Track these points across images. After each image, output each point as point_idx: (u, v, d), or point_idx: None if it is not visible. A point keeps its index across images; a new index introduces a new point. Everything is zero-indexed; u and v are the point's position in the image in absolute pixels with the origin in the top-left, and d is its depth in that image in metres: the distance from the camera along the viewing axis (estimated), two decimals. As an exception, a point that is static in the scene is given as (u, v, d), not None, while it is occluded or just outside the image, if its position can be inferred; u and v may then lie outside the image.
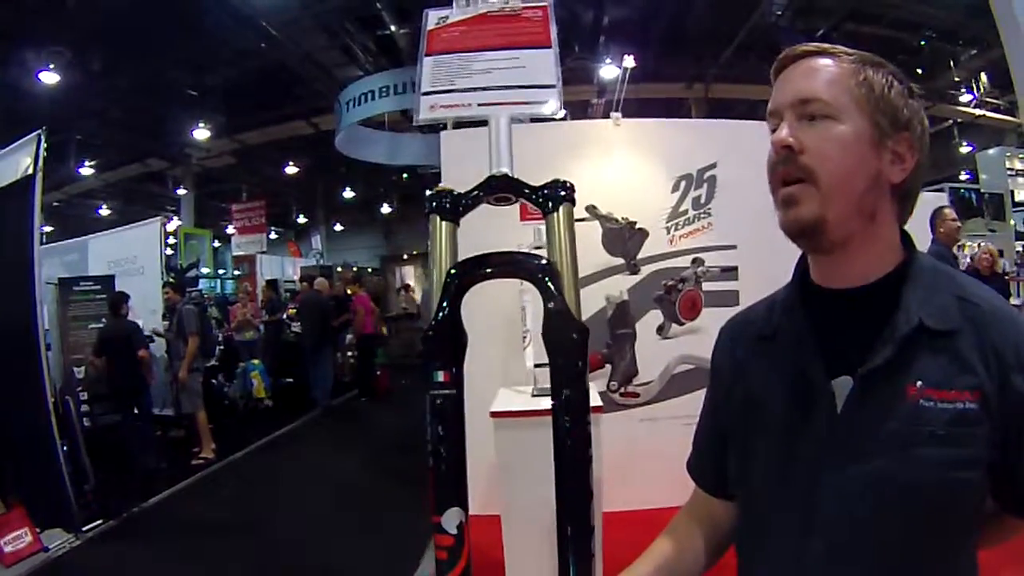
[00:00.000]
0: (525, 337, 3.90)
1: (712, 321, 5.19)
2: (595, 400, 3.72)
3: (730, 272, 5.41)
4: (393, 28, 11.89)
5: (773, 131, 1.09)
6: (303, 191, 23.55)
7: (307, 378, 10.96)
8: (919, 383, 0.99)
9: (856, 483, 1.00)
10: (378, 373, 12.05)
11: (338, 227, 27.28)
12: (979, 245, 7.93)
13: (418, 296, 19.91)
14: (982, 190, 15.97)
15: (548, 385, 3.61)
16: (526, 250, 1.19)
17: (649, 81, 12.75)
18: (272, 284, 14.94)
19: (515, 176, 1.30)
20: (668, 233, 5.34)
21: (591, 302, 5.23)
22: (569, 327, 1.10)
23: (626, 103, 9.09)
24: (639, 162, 5.36)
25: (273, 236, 22.84)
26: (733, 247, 5.42)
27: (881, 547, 1.00)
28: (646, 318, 5.33)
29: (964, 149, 20.13)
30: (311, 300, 11.31)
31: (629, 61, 9.63)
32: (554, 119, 1.97)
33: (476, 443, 4.95)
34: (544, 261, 1.12)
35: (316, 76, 13.47)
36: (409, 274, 21.41)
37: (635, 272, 5.31)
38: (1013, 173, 16.23)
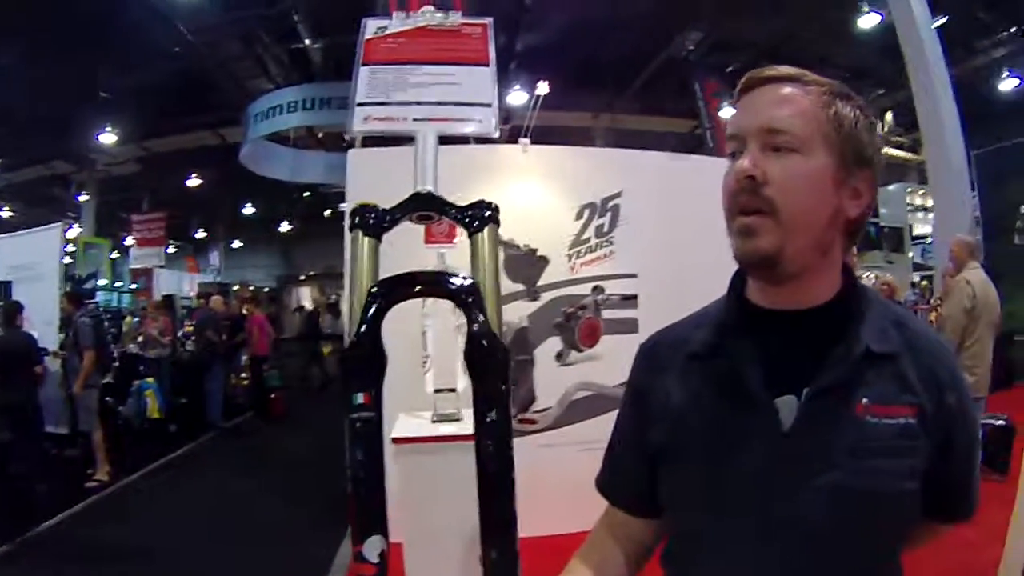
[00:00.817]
0: (426, 362, 3.84)
1: (611, 348, 5.29)
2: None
3: (630, 300, 5.48)
4: (308, 42, 11.78)
5: (732, 155, 1.09)
6: (205, 205, 22.90)
7: (202, 398, 10.63)
8: (865, 400, 1.04)
9: (813, 493, 1.03)
10: (272, 396, 11.71)
11: (236, 244, 26.67)
12: (876, 276, 8.28)
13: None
14: (881, 224, 16.82)
15: (449, 411, 3.58)
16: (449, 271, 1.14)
17: (555, 109, 12.88)
18: (169, 300, 14.45)
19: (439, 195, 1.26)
20: (570, 260, 5.37)
21: (490, 327, 5.20)
22: (494, 349, 1.07)
23: (522, 132, 9.17)
24: (545, 189, 5.39)
25: (172, 250, 22.07)
26: (633, 276, 5.49)
27: (836, 552, 1.05)
28: (545, 345, 5.32)
29: None
30: (205, 317, 11.00)
31: (543, 87, 9.68)
32: (490, 138, 1.95)
33: None
34: (469, 281, 1.09)
35: (227, 86, 13.18)
36: (306, 295, 20.98)
37: (535, 299, 5.30)
38: (913, 209, 17.33)
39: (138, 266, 18.65)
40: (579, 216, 5.39)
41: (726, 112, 13.32)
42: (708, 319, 1.21)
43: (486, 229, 1.16)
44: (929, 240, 16.51)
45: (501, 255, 4.76)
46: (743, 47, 13.58)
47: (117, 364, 9.77)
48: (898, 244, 16.95)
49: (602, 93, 14.51)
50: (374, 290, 1.06)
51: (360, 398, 1.02)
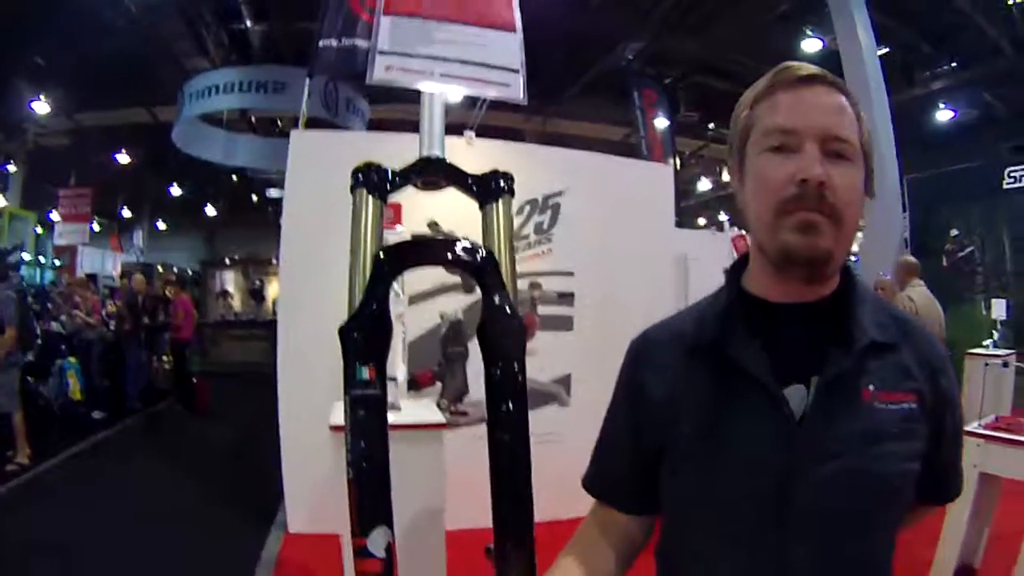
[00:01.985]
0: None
1: (546, 344, 5.31)
2: (439, 417, 3.61)
3: (566, 298, 5.51)
4: (249, 24, 11.47)
5: (776, 148, 1.07)
6: (132, 184, 22.03)
7: (123, 380, 10.28)
8: (872, 387, 1.07)
9: (830, 480, 1.04)
10: (195, 381, 11.30)
11: (161, 225, 25.82)
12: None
13: (237, 304, 19.00)
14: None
15: (390, 400, 3.46)
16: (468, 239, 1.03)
17: (489, 109, 12.85)
18: (92, 278, 13.82)
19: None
20: (506, 256, 5.29)
21: (426, 318, 5.18)
22: (514, 326, 0.98)
23: (461, 128, 9.11)
24: (482, 183, 5.28)
25: (96, 228, 21.21)
26: (571, 273, 5.52)
27: (850, 536, 1.07)
28: None
29: None
30: (130, 297, 10.66)
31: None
32: (519, 103, 1.84)
33: (303, 459, 4.70)
34: (487, 252, 0.99)
35: (165, 63, 12.74)
36: (229, 280, 20.39)
37: (471, 291, 5.20)
38: None
39: (63, 242, 17.97)
40: (519, 212, 5.36)
41: (661, 122, 13.49)
42: (704, 313, 1.21)
43: (500, 200, 1.06)
44: (854, 258, 16.85)
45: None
46: (681, 61, 13.74)
47: (40, 342, 9.31)
48: None
49: (538, 96, 14.43)
50: (381, 255, 0.94)
51: (365, 373, 0.91)
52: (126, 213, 24.65)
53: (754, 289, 1.16)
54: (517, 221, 5.31)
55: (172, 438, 9.11)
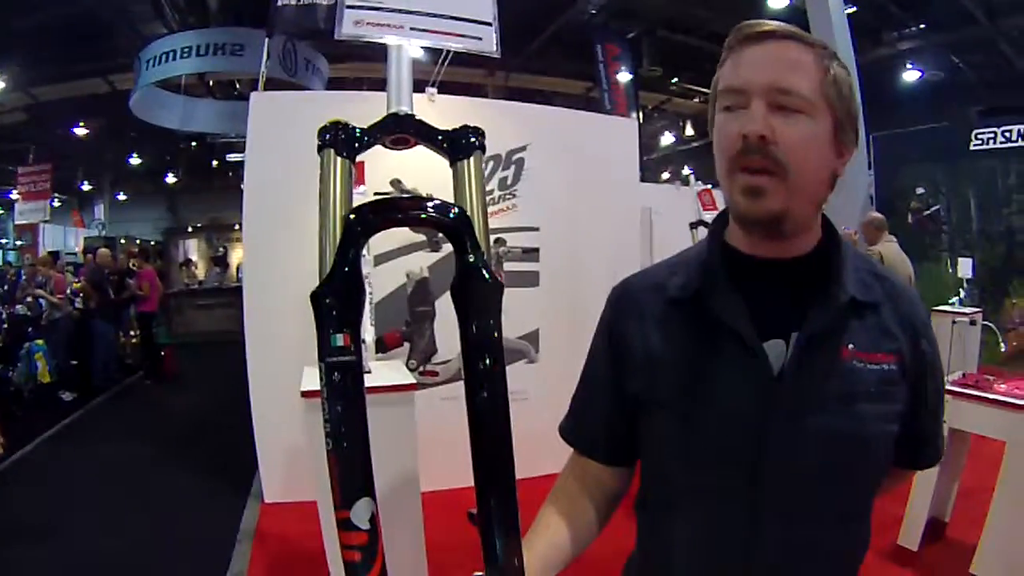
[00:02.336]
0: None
1: (512, 301, 5.15)
2: (409, 378, 3.59)
3: (531, 253, 5.49)
4: (206, -15, 11.14)
5: (728, 108, 1.07)
6: (92, 156, 21.42)
7: (91, 358, 10.01)
8: (851, 346, 1.08)
9: (805, 436, 1.05)
10: (163, 353, 11.13)
11: (121, 196, 25.24)
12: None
13: (200, 272, 18.74)
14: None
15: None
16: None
17: (450, 64, 12.71)
18: (54, 256, 13.52)
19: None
20: (470, 213, 5.26)
21: (392, 278, 5.14)
22: (491, 286, 0.96)
23: (422, 85, 9.01)
24: (445, 140, 5.21)
25: (57, 204, 20.72)
26: (536, 229, 5.50)
27: (823, 495, 1.08)
28: (446, 296, 5.17)
29: None
30: (95, 273, 10.34)
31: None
32: (492, 55, 1.79)
33: (275, 427, 4.66)
34: (459, 210, 0.96)
35: (121, 30, 12.31)
36: (193, 248, 20.06)
37: (436, 249, 5.20)
38: None
39: (23, 221, 17.46)
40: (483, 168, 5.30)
41: (623, 77, 13.42)
42: (685, 265, 1.20)
43: (472, 156, 1.02)
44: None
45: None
46: (646, 16, 13.63)
47: (6, 326, 9.12)
48: None
49: (500, 51, 14.26)
50: (352, 217, 0.90)
51: (339, 339, 0.87)
52: (86, 187, 24.10)
53: (735, 243, 1.16)
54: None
55: (143, 413, 8.96)
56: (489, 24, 1.63)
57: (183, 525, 4.87)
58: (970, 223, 9.67)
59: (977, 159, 9.29)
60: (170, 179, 24.04)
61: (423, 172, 5.04)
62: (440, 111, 5.14)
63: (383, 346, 4.98)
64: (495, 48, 1.61)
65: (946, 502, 4.30)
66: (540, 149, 5.47)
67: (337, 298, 0.92)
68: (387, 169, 4.72)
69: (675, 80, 17.88)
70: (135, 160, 21.60)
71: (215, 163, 21.12)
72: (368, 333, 3.74)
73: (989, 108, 11.59)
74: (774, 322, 1.09)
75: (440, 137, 1.09)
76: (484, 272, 0.98)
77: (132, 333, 11.64)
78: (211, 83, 13.68)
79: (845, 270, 1.11)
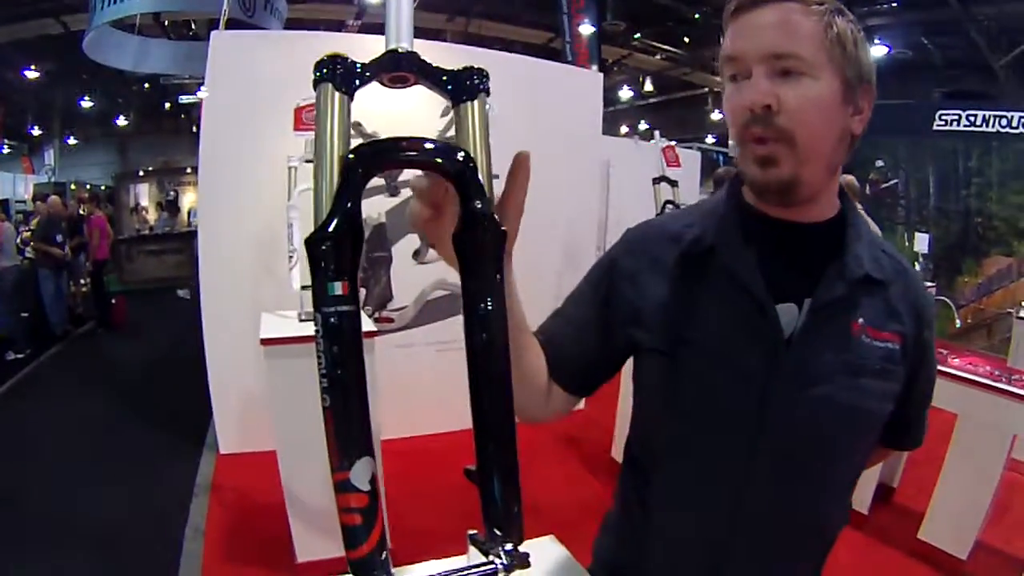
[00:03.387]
0: (292, 257, 3.58)
1: None
2: (368, 325, 3.54)
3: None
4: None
5: (732, 77, 1.07)
6: (42, 100, 20.61)
7: (43, 309, 9.66)
8: (861, 321, 1.09)
9: (808, 403, 1.06)
10: (113, 302, 10.80)
11: (72, 141, 24.27)
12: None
13: (152, 216, 18.21)
14: (730, 154, 17.77)
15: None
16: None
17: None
18: (3, 205, 13.02)
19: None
20: (428, 157, 5.19)
21: (349, 223, 5.00)
22: (495, 232, 0.90)
23: (382, 28, 8.81)
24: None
25: (7, 151, 20.01)
26: (496, 176, 5.36)
27: (818, 461, 1.10)
28: (402, 242, 5.21)
29: (715, 116, 22.26)
30: (48, 221, 9.90)
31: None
32: None
33: (230, 375, 4.56)
34: (464, 154, 0.91)
35: None
36: (144, 192, 19.46)
37: (395, 194, 5.13)
38: None
39: None
40: (444, 114, 5.22)
41: (586, 29, 13.34)
42: (700, 219, 1.20)
43: (476, 99, 0.96)
44: None
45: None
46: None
47: None
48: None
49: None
50: (351, 157, 0.84)
51: (337, 288, 0.82)
52: (36, 132, 23.13)
53: (752, 202, 1.15)
54: (440, 124, 5.20)
55: (95, 364, 8.71)
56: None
57: (138, 480, 4.74)
58: (928, 200, 9.88)
59: (939, 139, 9.46)
60: (121, 122, 23.26)
61: (383, 116, 4.97)
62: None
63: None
64: None
65: (895, 469, 4.46)
66: (504, 97, 5.30)
67: (335, 244, 0.86)
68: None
69: (637, 35, 17.82)
70: (86, 103, 20.85)
71: (167, 105, 20.56)
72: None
73: (953, 91, 11.77)
74: (786, 285, 1.09)
75: (444, 77, 1.02)
76: (489, 219, 0.93)
77: (83, 282, 11.29)
78: (166, 23, 13.26)
79: (860, 243, 1.11)
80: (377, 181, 4.99)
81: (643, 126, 24.03)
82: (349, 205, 0.86)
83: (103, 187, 20.89)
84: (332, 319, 0.85)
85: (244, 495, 4.31)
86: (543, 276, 5.42)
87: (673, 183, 5.68)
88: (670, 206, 5.45)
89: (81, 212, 11.26)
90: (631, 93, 22.17)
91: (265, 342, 3.15)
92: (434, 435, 5.05)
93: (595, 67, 12.46)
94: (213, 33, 4.85)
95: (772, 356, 1.07)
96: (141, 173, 20.07)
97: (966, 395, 3.62)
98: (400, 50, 1.01)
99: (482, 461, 0.96)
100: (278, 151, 3.89)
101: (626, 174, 7.38)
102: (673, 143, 6.71)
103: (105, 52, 11.13)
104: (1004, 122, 9.33)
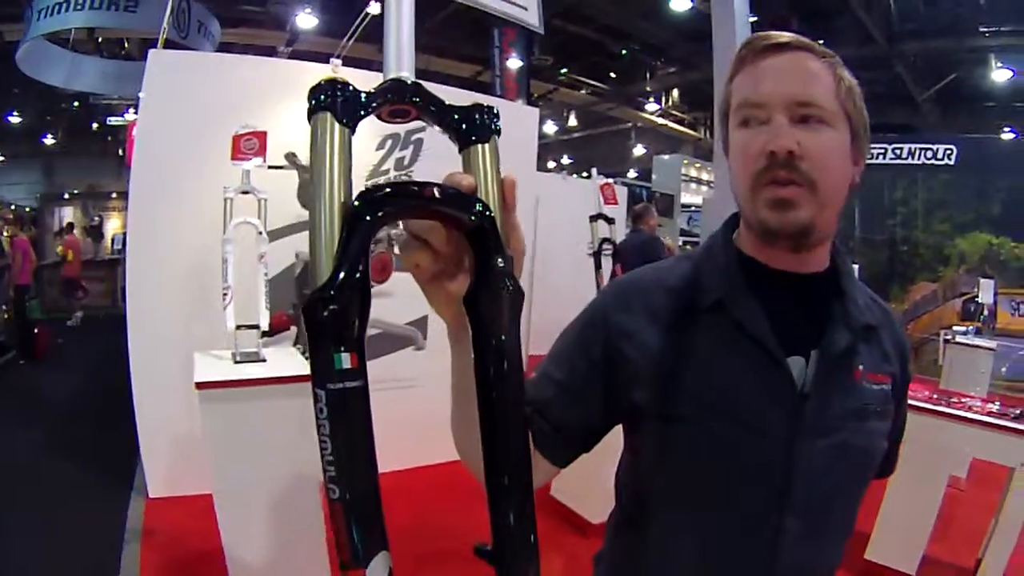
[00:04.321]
0: (226, 294, 3.41)
1: (401, 285, 5.06)
2: (307, 367, 3.36)
3: (423, 237, 5.34)
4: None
5: (745, 123, 1.07)
6: None
7: None
8: (861, 367, 1.12)
9: (829, 454, 1.07)
10: (36, 331, 10.24)
11: None
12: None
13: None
14: (654, 189, 18.20)
15: (251, 350, 3.23)
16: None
17: (338, 37, 12.46)
18: None
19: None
20: (365, 191, 5.07)
21: (281, 257, 4.85)
22: (517, 292, 0.82)
23: (311, 55, 8.72)
24: (349, 115, 4.95)
25: None
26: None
27: (838, 509, 1.13)
28: None
29: (638, 151, 22.56)
30: None
31: (375, 8, 9.04)
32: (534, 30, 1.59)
33: (155, 415, 4.33)
34: (482, 205, 0.79)
35: None
36: (69, 216, 18.71)
37: (330, 228, 4.95)
38: (687, 180, 18.74)
39: None
40: (381, 146, 5.21)
41: (514, 63, 13.43)
42: (695, 270, 1.18)
43: (489, 141, 0.85)
44: (694, 208, 18.57)
45: (296, 180, 4.32)
46: (544, 4, 13.64)
47: None
48: (668, 210, 18.20)
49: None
50: (356, 204, 0.71)
51: (346, 360, 0.69)
52: None
53: (749, 251, 1.15)
54: (377, 156, 5.11)
55: (15, 397, 8.17)
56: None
57: (65, 524, 4.43)
58: (853, 230, 10.18)
59: (866, 171, 9.80)
60: (48, 141, 22.39)
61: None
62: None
63: (269, 329, 4.73)
64: (538, 22, 1.43)
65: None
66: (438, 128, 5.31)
67: (342, 307, 0.72)
68: (281, 140, 4.38)
69: (564, 70, 18.04)
70: (15, 119, 20.03)
71: (95, 126, 19.75)
72: (264, 318, 3.49)
73: (878, 124, 12.19)
74: (792, 337, 1.09)
75: (448, 115, 0.90)
76: (511, 278, 0.81)
77: (3, 308, 10.72)
78: (100, 40, 12.87)
79: (856, 290, 1.16)
80: (308, 215, 4.85)
81: (566, 160, 24.32)
82: (355, 259, 0.73)
83: (28, 208, 20.13)
84: (339, 398, 0.71)
85: (178, 541, 4.06)
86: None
87: (610, 220, 5.66)
88: (607, 244, 5.41)
89: (6, 235, 10.74)
90: (555, 127, 22.41)
91: (200, 386, 2.99)
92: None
93: (522, 101, 12.57)
94: (151, 52, 4.64)
95: (791, 410, 1.07)
96: (67, 196, 19.42)
97: (909, 419, 3.63)
98: (404, 79, 0.89)
99: (504, 559, 0.85)
100: (214, 180, 3.73)
101: (554, 210, 7.35)
102: (611, 180, 6.72)
103: (38, 66, 10.82)
104: (929, 154, 9.85)
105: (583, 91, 19.73)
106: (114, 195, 17.74)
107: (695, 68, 16.65)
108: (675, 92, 20.76)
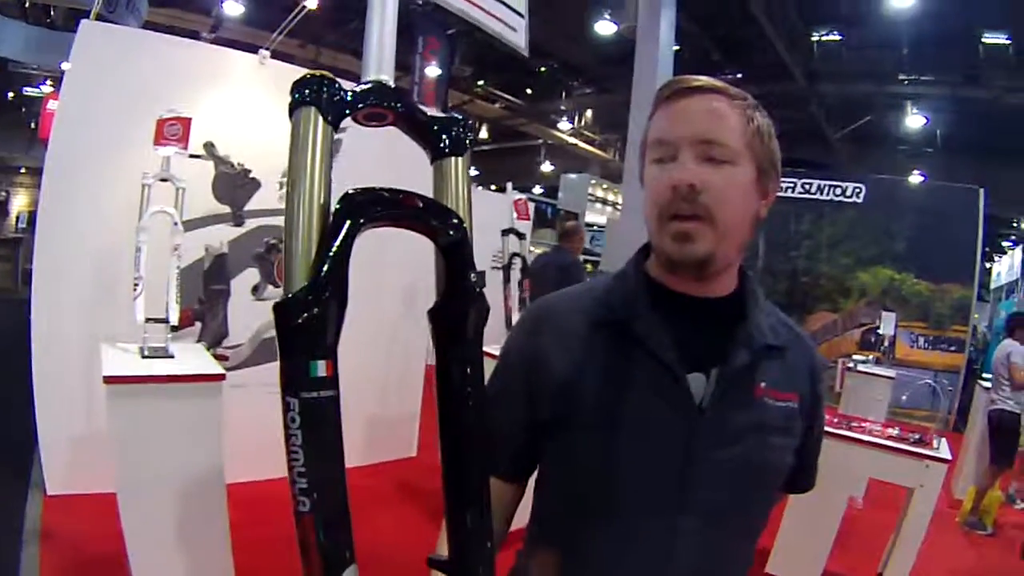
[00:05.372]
0: (137, 285, 3.27)
1: None
2: (214, 366, 3.28)
3: (335, 237, 5.24)
4: None
5: (658, 160, 1.16)
6: None
7: None
8: (763, 384, 1.18)
9: (725, 465, 1.13)
10: None
11: None
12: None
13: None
14: (559, 207, 18.30)
15: (159, 344, 3.11)
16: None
17: (264, 28, 12.20)
18: None
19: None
20: (281, 188, 4.97)
21: (191, 251, 4.62)
22: (484, 307, 0.84)
23: (234, 44, 8.56)
24: (271, 107, 4.83)
25: None
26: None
27: (736, 517, 1.19)
28: (243, 275, 4.97)
29: (546, 168, 22.73)
30: None
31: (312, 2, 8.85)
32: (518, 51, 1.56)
33: (56, 408, 4.09)
34: (458, 220, 0.78)
35: None
36: None
37: (239, 224, 4.90)
38: (593, 199, 18.84)
39: None
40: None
41: (433, 71, 13.44)
42: (605, 293, 1.26)
43: (463, 155, 0.84)
44: (596, 227, 18.88)
45: (212, 171, 4.21)
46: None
47: None
48: None
49: (316, 25, 13.80)
50: (339, 207, 0.69)
51: (321, 368, 0.67)
52: None
53: (657, 277, 1.23)
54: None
55: None
56: (522, 16, 1.44)
57: None
58: (757, 260, 10.49)
59: (774, 204, 10.24)
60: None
61: (238, 139, 4.70)
62: (269, 76, 4.84)
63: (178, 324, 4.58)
64: (525, 45, 1.42)
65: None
66: (356, 131, 5.18)
67: (319, 312, 0.70)
68: (199, 130, 4.23)
69: (481, 82, 18.07)
70: None
71: (10, 95, 18.80)
72: (173, 313, 3.37)
73: (790, 159, 12.64)
74: (693, 356, 1.15)
75: (433, 126, 0.89)
76: (480, 296, 0.83)
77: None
78: (27, 4, 12.27)
79: (760, 316, 1.21)
80: (224, 208, 4.71)
81: (474, 172, 24.41)
82: (337, 265, 0.71)
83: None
84: (314, 407, 0.69)
85: (80, 542, 3.82)
86: (385, 319, 5.48)
87: (521, 236, 5.68)
88: (516, 259, 5.44)
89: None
90: (467, 139, 22.67)
91: (109, 380, 2.85)
92: (271, 480, 4.79)
93: (438, 109, 12.59)
94: (83, 22, 4.37)
95: (689, 425, 1.13)
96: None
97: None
98: (384, 83, 0.87)
99: (460, 535, 0.86)
100: (134, 164, 3.59)
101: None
102: (524, 196, 6.75)
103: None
104: (839, 191, 10.26)
105: (498, 104, 19.85)
106: (23, 170, 16.87)
107: (611, 91, 17.02)
108: (589, 112, 21.15)
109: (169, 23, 12.38)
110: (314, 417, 0.69)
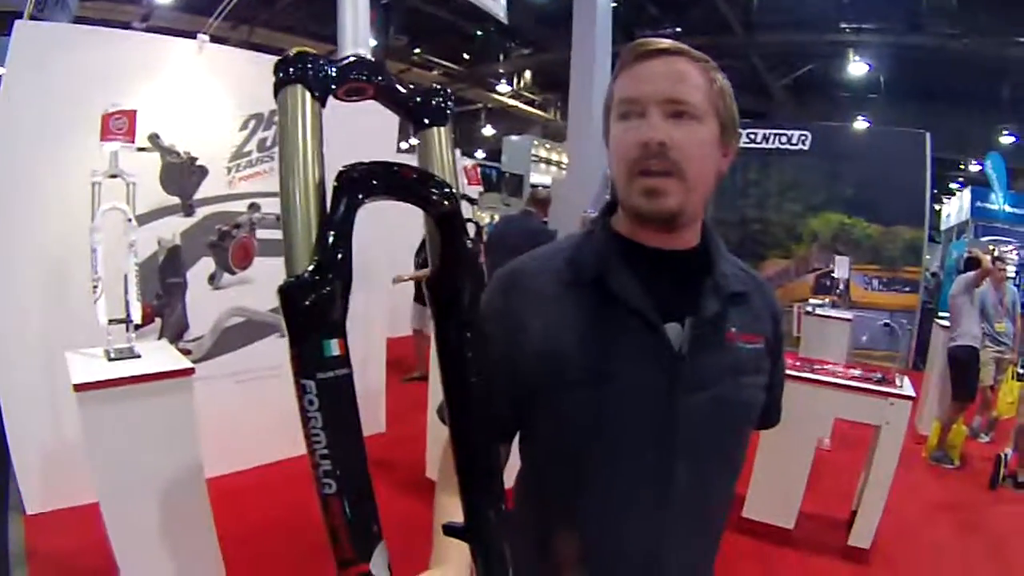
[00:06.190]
0: (96, 287, 3.20)
1: (264, 271, 5.04)
2: (183, 362, 3.25)
3: (286, 220, 5.19)
4: None
5: (623, 117, 1.20)
6: None
7: None
8: (733, 329, 1.26)
9: (706, 405, 1.21)
10: None
11: None
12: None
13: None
14: (503, 169, 18.21)
15: (124, 346, 3.05)
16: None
17: (196, 13, 11.93)
18: None
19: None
20: (229, 174, 4.92)
21: (143, 246, 4.53)
22: (480, 271, 0.84)
23: (168, 31, 8.35)
24: (213, 93, 4.75)
25: None
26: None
27: (721, 452, 1.28)
28: (198, 266, 4.88)
29: (487, 131, 22.63)
30: None
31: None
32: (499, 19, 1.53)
33: (26, 424, 3.98)
34: (451, 191, 0.78)
35: None
36: None
37: (190, 214, 4.79)
38: (536, 160, 18.77)
39: None
40: (244, 127, 4.94)
41: (371, 41, 13.23)
42: (574, 252, 1.30)
43: (445, 125, 0.84)
44: (543, 188, 18.35)
45: (159, 163, 4.11)
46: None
47: None
48: (517, 189, 18.54)
49: (245, 6, 13.50)
50: (337, 184, 0.68)
51: (334, 347, 0.66)
52: None
53: (624, 232, 1.28)
54: (240, 136, 4.89)
55: None
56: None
57: None
58: (705, 210, 10.61)
59: None
60: None
61: (181, 128, 4.59)
62: (207, 61, 4.69)
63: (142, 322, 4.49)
64: (504, 15, 1.40)
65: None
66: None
67: (328, 292, 0.69)
68: (143, 121, 4.10)
69: (417, 50, 17.95)
70: None
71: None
72: (135, 310, 3.31)
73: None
74: (667, 306, 1.21)
75: (415, 97, 0.88)
76: (475, 259, 0.84)
77: None
78: None
79: (725, 263, 1.29)
80: (173, 200, 4.62)
81: (414, 141, 24.32)
82: (338, 241, 0.70)
83: None
84: (332, 386, 0.68)
85: (67, 559, 3.72)
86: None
87: (473, 201, 5.66)
88: (469, 223, 5.44)
89: None
90: (404, 107, 22.69)
91: (80, 387, 2.79)
92: (246, 470, 4.84)
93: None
94: (17, 23, 4.19)
95: (671, 371, 1.19)
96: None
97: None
98: (363, 57, 0.85)
99: (476, 534, 0.88)
100: (81, 162, 3.51)
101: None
102: (473, 162, 6.70)
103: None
104: (784, 139, 10.41)
105: (435, 72, 19.73)
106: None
107: (549, 50, 16.93)
108: (527, 73, 21.06)
109: (100, 16, 12.06)
110: (332, 397, 0.68)
